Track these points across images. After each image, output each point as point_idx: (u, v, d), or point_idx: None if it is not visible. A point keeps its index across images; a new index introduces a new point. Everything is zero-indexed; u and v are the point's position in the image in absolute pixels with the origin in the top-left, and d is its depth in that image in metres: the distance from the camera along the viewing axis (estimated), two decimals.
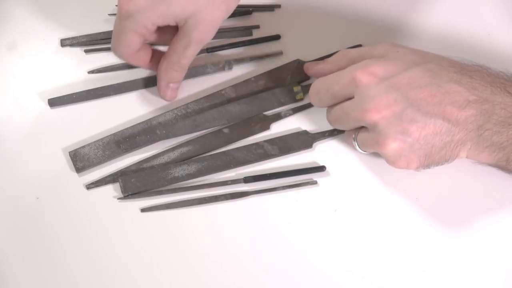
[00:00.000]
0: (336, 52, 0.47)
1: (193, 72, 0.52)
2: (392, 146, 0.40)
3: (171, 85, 0.49)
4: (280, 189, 0.48)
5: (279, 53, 0.53)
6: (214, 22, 0.45)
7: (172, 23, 0.45)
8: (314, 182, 0.48)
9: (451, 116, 0.38)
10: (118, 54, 0.48)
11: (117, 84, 0.52)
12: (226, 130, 0.51)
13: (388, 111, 0.38)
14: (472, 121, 0.38)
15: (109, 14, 0.56)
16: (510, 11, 0.53)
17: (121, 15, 0.44)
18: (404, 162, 0.41)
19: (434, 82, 0.37)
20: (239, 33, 0.55)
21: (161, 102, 0.52)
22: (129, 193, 0.48)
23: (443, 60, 0.39)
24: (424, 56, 0.40)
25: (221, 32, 0.54)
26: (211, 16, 0.44)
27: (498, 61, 0.42)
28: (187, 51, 0.46)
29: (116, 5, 0.56)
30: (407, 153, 0.40)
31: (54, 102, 0.51)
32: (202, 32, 0.44)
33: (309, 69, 0.48)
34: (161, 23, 0.44)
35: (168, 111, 0.51)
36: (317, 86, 0.45)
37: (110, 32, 0.55)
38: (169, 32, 0.47)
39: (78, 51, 0.55)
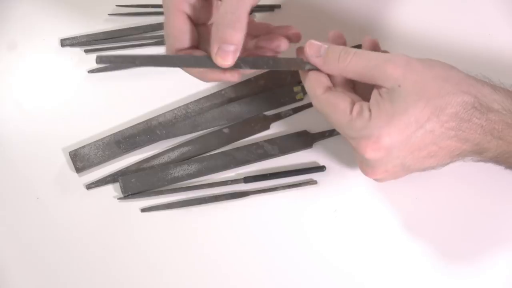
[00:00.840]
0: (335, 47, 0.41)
1: (276, 63, 0.41)
2: (378, 181, 0.43)
3: (223, 46, 0.39)
4: (280, 189, 0.48)
5: None
6: None
7: None
8: (314, 182, 0.48)
9: (445, 161, 0.40)
10: (167, 53, 0.42)
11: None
12: (226, 130, 0.51)
13: (383, 173, 0.41)
14: (465, 157, 0.40)
15: (109, 14, 0.56)
16: (510, 11, 0.53)
17: None
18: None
19: (433, 142, 0.38)
20: None
21: (161, 102, 0.52)
22: (129, 193, 0.48)
23: (444, 112, 0.37)
24: (428, 100, 0.37)
25: None
26: None
27: (498, 61, 0.42)
28: (241, 4, 0.38)
29: (117, 5, 0.56)
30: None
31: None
32: None
33: (307, 55, 0.41)
34: None
35: (168, 111, 0.51)
36: (320, 111, 0.42)
37: (110, 32, 0.55)
38: None
39: (78, 51, 0.55)
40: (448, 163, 0.40)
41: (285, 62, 0.41)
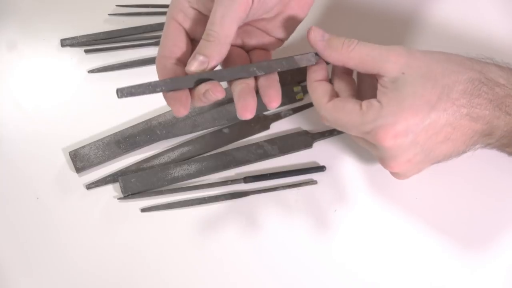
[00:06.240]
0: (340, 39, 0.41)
1: (279, 64, 0.41)
2: (403, 178, 0.43)
3: (196, 56, 0.39)
4: (280, 189, 0.48)
5: None
6: None
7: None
8: (314, 182, 0.48)
9: (460, 148, 0.40)
10: (156, 63, 0.42)
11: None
12: (226, 130, 0.51)
13: (407, 164, 0.40)
14: (476, 144, 0.41)
15: (109, 14, 0.56)
16: (509, 11, 0.53)
17: None
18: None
19: (448, 123, 0.38)
20: None
21: (161, 102, 0.52)
22: (129, 193, 0.48)
23: (453, 90, 0.38)
24: (435, 81, 0.38)
25: None
26: None
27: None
28: (217, 14, 0.38)
29: (117, 5, 0.56)
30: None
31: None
32: None
33: (311, 39, 0.41)
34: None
35: (168, 111, 0.51)
36: (330, 121, 0.42)
37: (110, 32, 0.55)
38: None
39: (78, 51, 0.55)
40: (462, 152, 0.41)
41: (293, 61, 0.41)
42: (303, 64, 0.41)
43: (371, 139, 0.39)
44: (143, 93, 0.39)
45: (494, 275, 0.45)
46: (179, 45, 0.42)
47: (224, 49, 0.39)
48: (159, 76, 0.41)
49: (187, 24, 0.42)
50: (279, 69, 0.41)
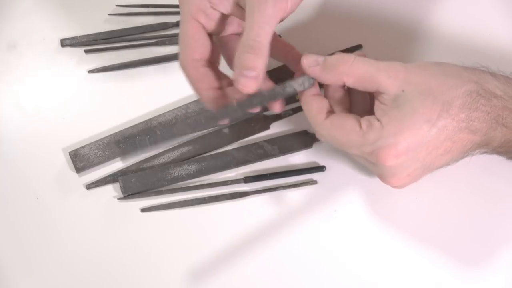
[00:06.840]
0: (336, 52, 0.43)
1: (272, 94, 0.41)
2: (399, 188, 0.42)
3: (245, 72, 0.38)
4: (280, 189, 0.48)
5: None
6: None
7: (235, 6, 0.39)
8: (314, 182, 0.48)
9: (458, 157, 0.40)
10: (181, 63, 0.41)
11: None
12: (226, 130, 0.51)
13: (406, 178, 0.40)
14: (474, 151, 0.41)
15: (109, 14, 0.56)
16: (509, 12, 0.53)
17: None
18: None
19: (448, 138, 0.38)
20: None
21: (161, 102, 0.52)
22: (129, 193, 0.48)
23: (452, 105, 0.38)
24: (434, 97, 0.38)
25: None
26: None
27: (498, 62, 0.42)
28: (255, 23, 0.37)
29: (117, 5, 0.56)
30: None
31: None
32: None
33: (304, 66, 0.40)
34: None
35: (168, 111, 0.51)
36: (326, 138, 0.41)
37: (110, 32, 0.55)
38: None
39: (78, 51, 0.55)
40: (460, 159, 0.41)
41: (280, 90, 0.40)
42: (298, 89, 0.40)
43: (373, 159, 0.39)
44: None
45: (495, 275, 0.45)
46: (206, 45, 0.41)
47: (266, 61, 0.38)
48: (191, 80, 0.41)
49: (208, 24, 0.41)
50: (271, 100, 0.40)
